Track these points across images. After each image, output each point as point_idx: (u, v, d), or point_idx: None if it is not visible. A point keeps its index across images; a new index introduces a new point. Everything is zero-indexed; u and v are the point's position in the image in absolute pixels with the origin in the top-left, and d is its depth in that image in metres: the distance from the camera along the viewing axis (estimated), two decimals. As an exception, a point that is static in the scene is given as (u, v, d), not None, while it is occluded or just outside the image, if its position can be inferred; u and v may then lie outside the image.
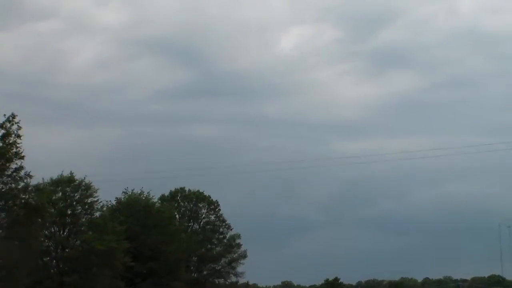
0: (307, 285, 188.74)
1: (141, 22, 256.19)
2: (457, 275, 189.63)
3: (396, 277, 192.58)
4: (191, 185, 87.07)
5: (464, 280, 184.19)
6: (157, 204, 75.20)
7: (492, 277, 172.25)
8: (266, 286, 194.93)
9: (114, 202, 70.61)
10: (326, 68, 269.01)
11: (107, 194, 68.74)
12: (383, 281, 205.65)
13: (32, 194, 46.17)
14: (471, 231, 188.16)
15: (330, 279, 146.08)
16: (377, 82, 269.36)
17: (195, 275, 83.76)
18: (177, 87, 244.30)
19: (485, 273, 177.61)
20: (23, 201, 45.54)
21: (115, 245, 56.80)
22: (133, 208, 69.05)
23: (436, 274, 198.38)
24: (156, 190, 78.36)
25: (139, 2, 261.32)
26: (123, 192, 71.58)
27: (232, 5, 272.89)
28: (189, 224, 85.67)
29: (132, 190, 71.58)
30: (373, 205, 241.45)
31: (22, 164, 45.58)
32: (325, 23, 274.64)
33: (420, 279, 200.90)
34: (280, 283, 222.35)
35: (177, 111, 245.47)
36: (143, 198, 70.96)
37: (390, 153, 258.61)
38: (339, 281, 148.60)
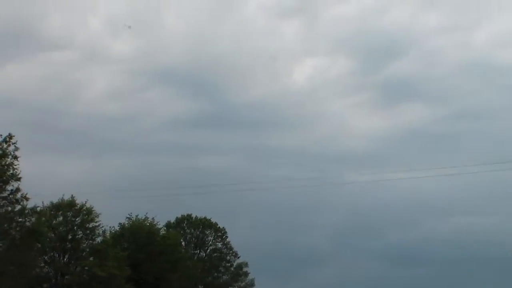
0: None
1: (153, 53, 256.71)
2: None
3: None
4: (198, 213, 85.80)
5: None
6: (162, 230, 73.65)
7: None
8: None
9: (117, 228, 68.98)
10: (338, 100, 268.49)
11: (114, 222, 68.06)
12: None
13: (29, 216, 44.69)
14: (484, 262, 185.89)
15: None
16: (388, 113, 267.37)
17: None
18: (187, 117, 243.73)
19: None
20: (19, 224, 44.07)
21: (117, 271, 55.19)
22: (136, 234, 67.38)
23: None
24: (162, 217, 77.30)
25: (152, 33, 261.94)
26: (127, 217, 70.03)
27: (244, 36, 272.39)
28: (195, 251, 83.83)
29: (136, 215, 70.03)
30: (385, 236, 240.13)
31: (19, 186, 44.34)
32: (338, 54, 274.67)
33: None
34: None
35: (187, 141, 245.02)
36: (147, 224, 69.31)
37: (401, 185, 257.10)
38: None
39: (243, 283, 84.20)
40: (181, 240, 79.98)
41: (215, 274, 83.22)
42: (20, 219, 44.40)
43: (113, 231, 67.57)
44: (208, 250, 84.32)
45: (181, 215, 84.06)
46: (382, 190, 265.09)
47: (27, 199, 44.27)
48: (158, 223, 70.13)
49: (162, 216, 79.76)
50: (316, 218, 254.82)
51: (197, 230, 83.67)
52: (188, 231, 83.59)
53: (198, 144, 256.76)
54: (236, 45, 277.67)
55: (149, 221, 69.76)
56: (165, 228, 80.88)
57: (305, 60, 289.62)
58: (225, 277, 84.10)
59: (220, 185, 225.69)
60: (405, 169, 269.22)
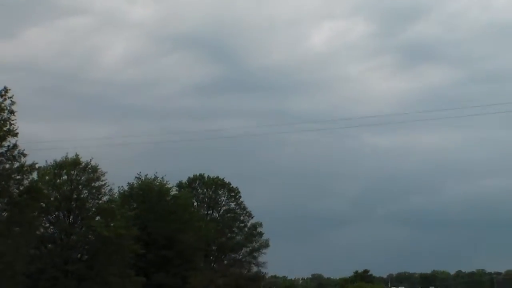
0: (337, 278, 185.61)
1: (172, 18, 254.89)
2: (491, 268, 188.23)
3: (428, 271, 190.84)
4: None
5: (498, 273, 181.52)
6: (173, 190, 71.62)
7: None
8: (295, 278, 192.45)
9: (126, 188, 67.04)
10: (358, 63, 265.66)
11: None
12: (414, 274, 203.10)
13: (27, 174, 42.59)
14: (505, 225, 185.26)
15: (360, 271, 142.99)
16: (408, 76, 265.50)
17: (214, 265, 79.77)
18: (207, 82, 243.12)
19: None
20: (17, 181, 42.02)
21: (124, 231, 53.25)
22: (146, 193, 65.48)
23: (469, 268, 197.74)
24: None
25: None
26: (136, 177, 68.04)
27: (263, 0, 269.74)
28: (208, 212, 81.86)
29: (146, 175, 68.00)
30: (405, 200, 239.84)
31: (17, 143, 42.17)
32: (357, 17, 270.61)
33: (452, 273, 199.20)
34: (310, 276, 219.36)
35: (207, 106, 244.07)
36: (157, 183, 67.25)
37: (422, 148, 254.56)
38: (369, 273, 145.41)
39: (257, 244, 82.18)
40: (193, 200, 78.04)
41: (229, 234, 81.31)
42: (18, 177, 42.25)
43: (121, 191, 65.79)
44: (221, 211, 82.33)
45: (193, 175, 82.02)
46: (402, 154, 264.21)
47: (24, 155, 42.07)
48: (167, 182, 68.04)
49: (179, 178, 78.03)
50: (336, 182, 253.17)
51: (209, 190, 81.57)
52: (201, 191, 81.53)
53: (218, 108, 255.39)
54: (255, 10, 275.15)
55: (159, 181, 67.76)
56: (176, 188, 79.03)
57: (323, 23, 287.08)
58: (238, 237, 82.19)
59: (239, 149, 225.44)
60: (426, 132, 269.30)
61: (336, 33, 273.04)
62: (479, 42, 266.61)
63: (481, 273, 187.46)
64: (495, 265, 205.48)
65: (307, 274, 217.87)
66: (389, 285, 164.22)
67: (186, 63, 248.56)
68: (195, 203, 79.56)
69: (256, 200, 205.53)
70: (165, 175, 68.22)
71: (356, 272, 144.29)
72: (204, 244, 69.64)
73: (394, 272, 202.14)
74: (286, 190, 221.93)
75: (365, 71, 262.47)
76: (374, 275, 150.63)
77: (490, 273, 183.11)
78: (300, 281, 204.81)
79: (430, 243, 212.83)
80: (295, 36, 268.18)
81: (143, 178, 67.66)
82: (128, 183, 67.25)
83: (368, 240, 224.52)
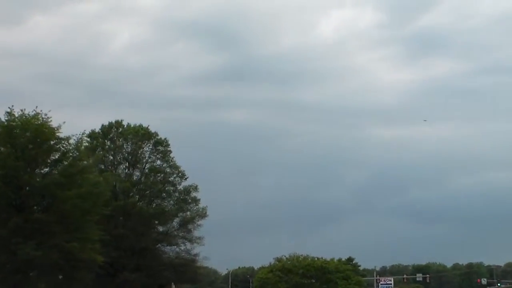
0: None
1: (178, 5, 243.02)
2: (489, 261, 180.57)
3: (424, 263, 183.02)
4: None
5: (498, 266, 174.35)
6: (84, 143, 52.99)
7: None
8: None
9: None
10: (365, 53, 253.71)
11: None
12: (408, 266, 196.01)
13: None
14: (505, 218, 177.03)
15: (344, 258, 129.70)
16: (416, 67, 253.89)
17: (143, 243, 61.09)
18: (213, 70, 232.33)
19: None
20: None
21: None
22: (15, 134, 46.74)
23: (466, 261, 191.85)
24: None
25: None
26: (7, 112, 48.97)
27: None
28: (129, 171, 63.33)
29: (22, 109, 49.02)
30: (407, 192, 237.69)
31: None
32: (366, 7, 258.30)
33: (449, 265, 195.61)
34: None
35: (212, 95, 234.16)
36: (37, 123, 48.37)
37: (426, 140, 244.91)
38: (353, 262, 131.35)
39: (192, 213, 63.64)
40: (100, 152, 59.44)
41: (152, 199, 62.85)
42: None
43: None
44: (145, 168, 63.62)
45: (109, 122, 63.16)
46: (407, 145, 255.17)
47: None
48: (50, 119, 48.92)
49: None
50: (338, 173, 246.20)
51: (129, 142, 62.90)
52: (118, 142, 62.81)
53: (223, 97, 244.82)
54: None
55: (40, 119, 48.86)
56: (87, 140, 60.67)
57: (331, 12, 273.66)
58: (167, 203, 63.67)
59: (244, 140, 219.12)
60: (432, 124, 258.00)
61: (344, 22, 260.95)
62: (488, 33, 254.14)
63: (479, 266, 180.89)
64: (495, 259, 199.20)
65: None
66: (375, 276, 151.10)
67: (192, 50, 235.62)
68: (110, 157, 61.21)
69: (261, 190, 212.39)
70: (50, 111, 49.18)
71: (340, 260, 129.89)
72: (99, 206, 50.70)
73: (388, 264, 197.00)
74: (292, 180, 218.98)
75: (372, 61, 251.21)
76: (359, 264, 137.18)
77: (488, 266, 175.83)
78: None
79: (429, 237, 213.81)
80: (303, 25, 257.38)
81: (16, 114, 48.74)
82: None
83: (367, 233, 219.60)
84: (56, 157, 48.77)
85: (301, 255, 43.51)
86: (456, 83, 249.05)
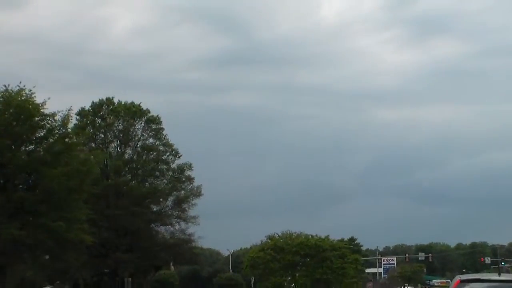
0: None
1: None
2: (493, 241, 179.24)
3: (427, 243, 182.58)
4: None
5: (501, 246, 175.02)
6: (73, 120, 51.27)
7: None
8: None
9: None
10: (368, 36, 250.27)
11: None
12: (411, 246, 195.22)
13: None
14: (508, 198, 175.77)
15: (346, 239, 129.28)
16: (418, 49, 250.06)
17: (135, 223, 59.18)
18: (216, 54, 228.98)
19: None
20: None
21: None
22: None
23: (470, 241, 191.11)
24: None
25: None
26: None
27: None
28: (120, 150, 61.50)
29: (6, 85, 47.11)
30: (411, 174, 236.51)
31: None
32: None
33: (453, 246, 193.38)
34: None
35: (216, 79, 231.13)
36: (21, 99, 46.48)
37: (429, 122, 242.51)
38: (356, 241, 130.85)
39: (187, 192, 61.84)
40: (94, 132, 57.66)
41: (145, 178, 61.09)
42: None
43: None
44: (137, 146, 61.76)
45: (99, 99, 61.15)
46: (412, 128, 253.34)
47: None
48: (34, 96, 47.04)
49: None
50: (343, 156, 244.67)
51: (121, 120, 60.95)
52: (109, 119, 60.85)
53: (226, 81, 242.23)
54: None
55: (25, 94, 46.97)
56: (77, 117, 59.11)
57: None
58: (160, 182, 61.91)
59: (248, 123, 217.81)
60: (436, 106, 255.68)
61: (347, 4, 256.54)
62: (490, 15, 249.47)
63: (483, 245, 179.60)
64: (499, 238, 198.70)
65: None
66: (377, 256, 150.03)
67: (194, 34, 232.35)
68: (100, 135, 59.41)
69: (263, 174, 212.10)
70: (34, 86, 47.26)
71: (342, 239, 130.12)
72: (87, 185, 48.90)
73: (392, 245, 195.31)
74: (294, 163, 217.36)
75: (375, 44, 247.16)
76: (361, 244, 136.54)
77: (492, 245, 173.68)
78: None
79: (432, 217, 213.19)
80: (306, 8, 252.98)
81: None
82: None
83: (371, 215, 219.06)
84: (42, 134, 46.98)
85: (295, 233, 41.80)
86: (460, 65, 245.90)
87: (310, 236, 41.87)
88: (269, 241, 42.23)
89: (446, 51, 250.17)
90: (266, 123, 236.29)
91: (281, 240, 41.00)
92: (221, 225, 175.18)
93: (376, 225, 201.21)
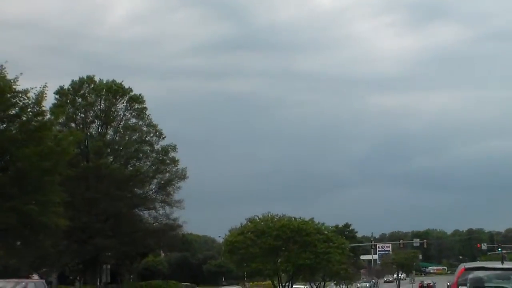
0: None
1: None
2: (490, 228, 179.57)
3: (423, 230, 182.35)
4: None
5: (498, 233, 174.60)
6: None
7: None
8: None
9: None
10: (366, 21, 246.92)
11: None
12: (408, 233, 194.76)
13: None
14: (506, 186, 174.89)
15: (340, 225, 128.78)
16: (418, 34, 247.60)
17: (117, 207, 56.57)
18: (214, 40, 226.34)
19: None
20: None
21: None
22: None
23: (467, 228, 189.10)
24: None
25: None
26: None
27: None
28: (101, 130, 58.93)
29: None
30: (409, 161, 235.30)
31: None
32: None
33: (449, 232, 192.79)
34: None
35: (214, 64, 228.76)
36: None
37: (429, 108, 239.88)
38: (350, 228, 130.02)
39: (171, 174, 59.43)
40: (73, 111, 55.12)
41: (128, 160, 58.65)
42: None
43: None
44: (119, 127, 59.15)
45: (79, 77, 58.43)
46: (410, 114, 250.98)
47: None
48: (5, 71, 44.47)
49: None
50: (340, 143, 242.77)
51: (102, 99, 58.33)
52: (90, 98, 58.20)
53: (221, 67, 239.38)
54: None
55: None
56: (56, 97, 56.66)
57: None
58: (142, 163, 59.47)
59: (245, 109, 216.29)
60: (435, 92, 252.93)
61: None
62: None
63: (480, 232, 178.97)
64: (496, 225, 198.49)
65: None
66: (371, 242, 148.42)
67: (193, 20, 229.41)
68: (79, 115, 56.93)
69: (260, 161, 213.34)
70: (6, 62, 44.65)
71: (337, 226, 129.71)
72: (63, 166, 46.44)
73: (388, 232, 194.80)
74: (290, 150, 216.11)
75: (373, 30, 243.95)
76: (356, 230, 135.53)
77: (489, 232, 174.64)
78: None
79: (430, 204, 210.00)
80: None
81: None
82: None
83: (369, 202, 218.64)
84: (14, 112, 44.46)
85: (276, 215, 39.38)
86: (458, 50, 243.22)
87: (293, 219, 39.52)
88: (249, 224, 39.84)
89: (444, 37, 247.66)
90: (264, 108, 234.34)
91: (262, 223, 38.68)
92: (220, 212, 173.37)
93: (373, 213, 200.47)
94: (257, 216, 40.29)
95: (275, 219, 39.36)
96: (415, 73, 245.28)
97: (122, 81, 58.54)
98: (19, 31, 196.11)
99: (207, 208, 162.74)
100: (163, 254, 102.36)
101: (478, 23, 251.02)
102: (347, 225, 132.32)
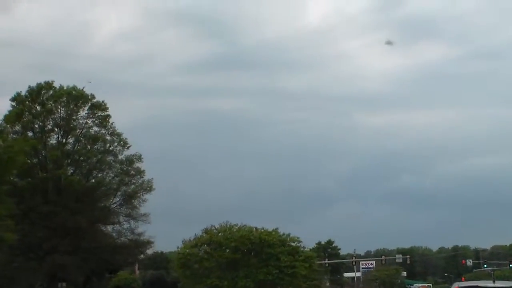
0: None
1: None
2: (476, 245, 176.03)
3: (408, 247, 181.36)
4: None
5: (484, 250, 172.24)
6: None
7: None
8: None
9: None
10: (353, 39, 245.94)
11: None
12: (393, 250, 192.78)
13: None
14: (491, 203, 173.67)
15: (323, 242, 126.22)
16: (404, 53, 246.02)
17: (78, 222, 52.71)
18: (201, 59, 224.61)
19: (506, 242, 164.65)
20: None
21: None
22: None
23: (453, 245, 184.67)
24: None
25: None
26: None
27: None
28: (62, 139, 55.33)
29: None
30: (394, 179, 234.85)
31: None
32: None
33: (435, 249, 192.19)
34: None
35: (201, 83, 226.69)
36: None
37: (415, 126, 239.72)
38: (333, 245, 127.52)
39: (136, 186, 55.88)
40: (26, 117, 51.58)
41: (90, 171, 55.11)
42: None
43: None
44: (80, 136, 55.61)
45: (37, 83, 54.90)
46: (397, 132, 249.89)
47: None
48: None
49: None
50: (326, 162, 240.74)
51: (62, 106, 54.84)
52: (49, 106, 54.66)
53: (209, 86, 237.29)
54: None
55: None
56: (12, 103, 53.20)
57: None
58: (105, 174, 55.92)
59: (232, 128, 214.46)
60: (422, 110, 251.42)
61: (331, 7, 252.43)
62: (478, 18, 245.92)
63: (465, 249, 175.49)
64: (482, 243, 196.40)
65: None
66: (353, 258, 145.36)
67: (180, 39, 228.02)
68: (37, 123, 53.38)
69: (244, 180, 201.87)
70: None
71: (319, 243, 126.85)
72: (11, 175, 43.00)
73: (373, 249, 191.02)
74: (280, 169, 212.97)
75: (360, 48, 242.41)
76: (339, 247, 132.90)
77: (475, 249, 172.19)
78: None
79: (415, 222, 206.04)
80: (290, 11, 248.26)
81: None
82: None
83: (351, 219, 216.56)
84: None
85: (236, 225, 35.97)
86: (445, 69, 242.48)
87: (254, 229, 36.10)
88: (204, 235, 36.32)
89: (431, 56, 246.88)
90: (250, 128, 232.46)
91: (220, 234, 35.22)
92: (198, 229, 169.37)
93: (359, 230, 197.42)
94: (214, 227, 36.81)
95: (234, 230, 35.96)
96: (403, 92, 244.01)
97: (83, 88, 55.18)
98: (8, 49, 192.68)
99: (190, 226, 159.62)
100: (138, 272, 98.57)
101: (465, 42, 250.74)
102: (330, 242, 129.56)
